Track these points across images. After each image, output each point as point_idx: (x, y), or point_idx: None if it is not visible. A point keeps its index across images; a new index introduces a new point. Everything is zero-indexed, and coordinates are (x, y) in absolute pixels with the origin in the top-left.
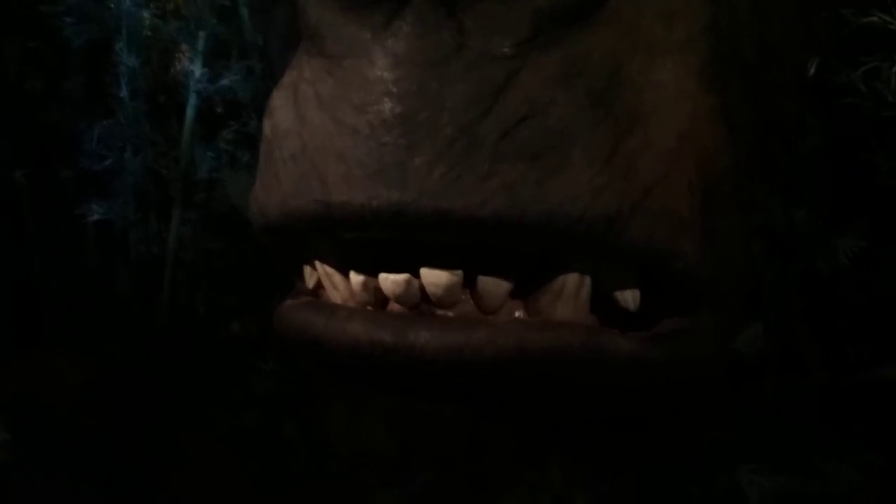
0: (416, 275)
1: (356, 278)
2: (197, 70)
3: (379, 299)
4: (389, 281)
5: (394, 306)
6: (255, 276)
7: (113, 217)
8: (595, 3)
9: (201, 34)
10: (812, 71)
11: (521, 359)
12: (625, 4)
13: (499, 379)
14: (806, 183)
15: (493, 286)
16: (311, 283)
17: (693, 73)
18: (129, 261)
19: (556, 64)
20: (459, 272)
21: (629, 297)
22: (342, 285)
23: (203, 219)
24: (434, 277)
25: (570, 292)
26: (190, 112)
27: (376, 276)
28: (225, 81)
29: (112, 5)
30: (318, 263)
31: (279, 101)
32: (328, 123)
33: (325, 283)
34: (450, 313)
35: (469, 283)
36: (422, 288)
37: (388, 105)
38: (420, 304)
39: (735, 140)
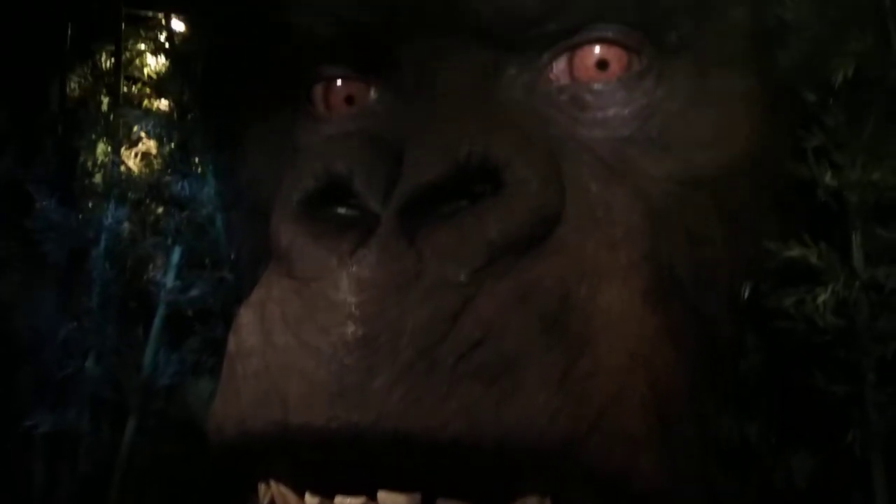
0: (374, 496)
1: (311, 500)
2: (169, 282)
3: None
4: None
5: None
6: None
7: (65, 428)
8: (543, 234)
9: (177, 248)
10: (746, 295)
11: None
12: (571, 234)
13: None
14: (753, 399)
15: None
16: (265, 501)
17: (637, 296)
18: (77, 469)
19: (509, 290)
20: (418, 496)
21: None
22: None
23: (159, 426)
24: (391, 501)
25: None
26: (157, 322)
27: (332, 499)
28: (195, 292)
29: (92, 219)
30: (273, 483)
31: (246, 318)
32: (292, 343)
33: (279, 503)
34: None
35: None
36: None
37: (350, 327)
38: None
39: (682, 357)
